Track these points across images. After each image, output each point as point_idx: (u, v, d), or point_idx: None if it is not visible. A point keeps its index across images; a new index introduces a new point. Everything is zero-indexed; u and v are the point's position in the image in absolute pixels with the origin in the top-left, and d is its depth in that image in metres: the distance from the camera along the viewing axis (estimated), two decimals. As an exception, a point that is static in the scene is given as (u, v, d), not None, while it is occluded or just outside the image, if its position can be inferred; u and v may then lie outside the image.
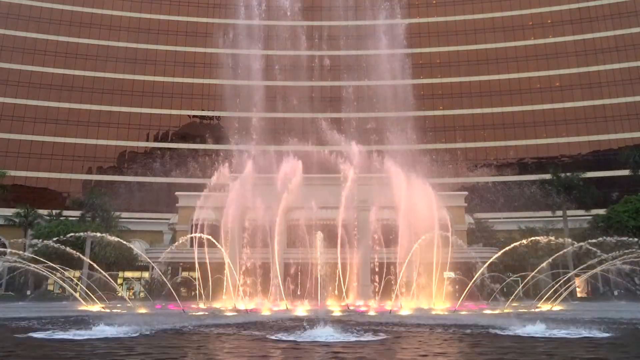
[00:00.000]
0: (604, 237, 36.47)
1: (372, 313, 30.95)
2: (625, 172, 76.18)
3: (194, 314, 31.03)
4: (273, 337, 15.64)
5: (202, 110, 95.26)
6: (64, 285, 42.67)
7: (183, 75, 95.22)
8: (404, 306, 34.05)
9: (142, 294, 59.33)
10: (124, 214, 77.91)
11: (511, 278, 51.53)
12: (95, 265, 39.07)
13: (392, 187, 43.12)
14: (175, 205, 69.61)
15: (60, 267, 39.87)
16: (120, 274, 69.42)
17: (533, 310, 35.17)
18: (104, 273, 38.54)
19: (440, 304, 36.20)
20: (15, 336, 16.10)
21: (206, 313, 31.94)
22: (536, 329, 16.78)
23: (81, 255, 40.89)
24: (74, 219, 68.50)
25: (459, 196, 67.89)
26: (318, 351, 12.55)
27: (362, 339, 15.38)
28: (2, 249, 44.54)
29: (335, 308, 34.56)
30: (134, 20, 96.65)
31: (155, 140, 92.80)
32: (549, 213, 68.68)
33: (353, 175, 47.53)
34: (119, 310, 34.51)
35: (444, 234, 40.29)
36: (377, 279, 43.10)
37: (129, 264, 65.75)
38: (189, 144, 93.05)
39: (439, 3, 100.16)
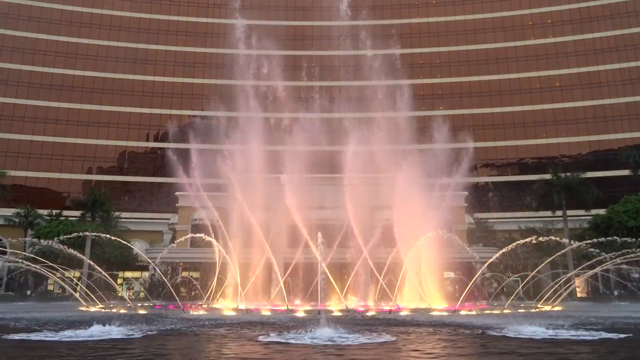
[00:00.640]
0: (604, 238, 36.48)
1: (371, 313, 30.94)
2: (625, 172, 76.14)
3: (194, 314, 31.03)
4: (278, 339, 15.32)
5: (202, 110, 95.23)
6: (64, 285, 42.66)
7: (183, 75, 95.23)
8: (404, 306, 34.05)
9: (142, 294, 59.36)
10: (124, 214, 77.99)
11: (511, 278, 51.50)
12: (95, 265, 39.06)
13: (390, 188, 43.12)
14: (175, 205, 69.66)
15: (60, 267, 39.90)
16: (120, 273, 69.42)
17: (533, 310, 35.16)
18: (104, 273, 38.54)
19: (439, 304, 36.20)
20: (4, 338, 15.91)
21: (206, 313, 31.95)
22: (549, 332, 16.58)
23: (81, 255, 40.86)
24: (74, 219, 68.50)
25: (459, 196, 67.91)
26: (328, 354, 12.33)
27: (373, 340, 15.16)
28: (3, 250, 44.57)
29: (335, 308, 34.55)
30: (134, 20, 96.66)
31: (155, 140, 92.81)
32: (549, 213, 68.65)
33: (353, 176, 47.53)
34: (118, 311, 34.51)
35: (444, 234, 40.28)
36: (376, 280, 43.06)
37: (129, 264, 65.81)
38: (188, 144, 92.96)
39: (439, 3, 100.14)
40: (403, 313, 30.42)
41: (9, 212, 73.35)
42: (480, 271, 40.71)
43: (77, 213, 71.86)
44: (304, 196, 42.38)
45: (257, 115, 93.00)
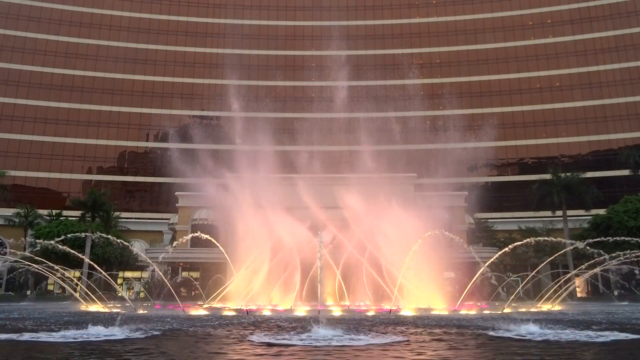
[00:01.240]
0: (602, 238, 36.48)
1: (371, 313, 30.96)
2: (625, 172, 76.21)
3: (194, 314, 31.04)
4: (283, 341, 15.06)
5: (202, 110, 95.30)
6: (64, 285, 42.68)
7: (183, 75, 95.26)
8: (404, 306, 34.06)
9: (142, 294, 59.38)
10: (124, 214, 78.02)
11: (511, 277, 51.51)
12: (95, 265, 39.07)
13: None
14: (175, 205, 69.70)
15: (60, 268, 39.89)
16: (120, 273, 69.48)
17: (532, 309, 35.16)
18: (104, 273, 38.55)
19: (439, 304, 36.22)
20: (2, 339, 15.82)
21: (207, 313, 31.96)
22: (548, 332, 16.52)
23: (80, 255, 40.86)
24: (74, 219, 68.53)
25: (459, 196, 67.95)
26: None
27: (384, 340, 15.02)
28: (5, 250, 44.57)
29: (335, 308, 34.57)
30: (134, 20, 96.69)
31: (155, 140, 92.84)
32: (549, 213, 68.69)
33: (354, 176, 47.59)
34: (119, 311, 34.52)
35: (445, 234, 40.26)
36: (376, 280, 43.06)
37: (129, 264, 65.86)
38: (189, 144, 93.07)
39: (439, 3, 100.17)
40: (403, 313, 30.43)
41: (9, 212, 73.40)
42: (480, 271, 40.68)
43: (77, 213, 71.87)
44: (314, 196, 42.44)
45: (258, 115, 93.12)
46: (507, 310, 32.42)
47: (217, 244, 39.89)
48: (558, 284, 40.46)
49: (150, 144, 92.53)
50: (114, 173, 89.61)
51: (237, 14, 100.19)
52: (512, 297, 40.25)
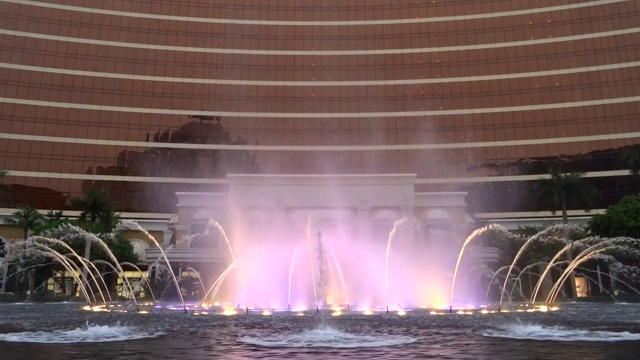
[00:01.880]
0: (602, 238, 36.47)
1: (369, 313, 30.96)
2: (625, 172, 76.19)
3: (196, 314, 31.05)
4: (295, 345, 14.44)
5: (202, 110, 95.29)
6: (82, 283, 42.70)
7: (183, 75, 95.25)
8: (403, 306, 34.02)
9: (142, 294, 59.40)
10: (124, 214, 77.94)
11: (511, 277, 51.44)
12: (93, 265, 39.07)
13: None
14: (175, 205, 69.72)
15: (67, 259, 39.89)
16: (120, 274, 69.43)
17: (530, 309, 35.17)
18: (97, 274, 38.50)
19: (438, 304, 36.20)
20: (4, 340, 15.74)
21: (207, 313, 31.97)
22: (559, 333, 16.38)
23: (81, 259, 40.87)
24: (74, 219, 68.50)
25: (459, 196, 67.96)
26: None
27: (393, 342, 14.80)
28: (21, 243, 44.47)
29: (335, 308, 34.57)
30: (134, 20, 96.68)
31: (155, 140, 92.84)
32: (549, 213, 68.68)
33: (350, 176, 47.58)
34: (120, 311, 34.54)
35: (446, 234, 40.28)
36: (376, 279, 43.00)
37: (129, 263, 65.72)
38: (189, 144, 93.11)
39: (439, 3, 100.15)
40: (402, 313, 30.42)
41: (9, 212, 73.41)
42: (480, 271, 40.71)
43: (77, 213, 71.92)
44: (301, 196, 42.43)
45: (257, 115, 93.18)
46: (504, 310, 32.40)
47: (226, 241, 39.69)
48: (560, 285, 40.43)
49: (150, 144, 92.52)
50: (114, 173, 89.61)
51: (237, 14, 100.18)
52: (510, 296, 40.18)
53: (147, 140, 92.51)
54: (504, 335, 16.40)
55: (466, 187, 78.76)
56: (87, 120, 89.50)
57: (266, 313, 30.89)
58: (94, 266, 38.85)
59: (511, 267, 37.16)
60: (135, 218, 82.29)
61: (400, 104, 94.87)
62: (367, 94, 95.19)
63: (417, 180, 68.33)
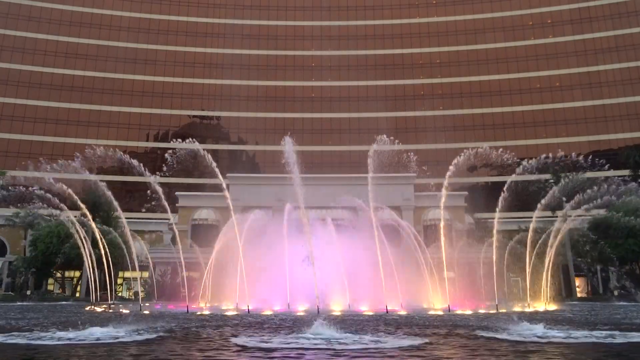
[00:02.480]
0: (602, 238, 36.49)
1: (369, 313, 30.96)
2: (625, 172, 76.20)
3: (197, 314, 31.07)
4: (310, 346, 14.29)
5: (202, 110, 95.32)
6: (98, 281, 42.72)
7: (183, 75, 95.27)
8: (402, 306, 34.00)
9: (142, 294, 59.33)
10: (124, 214, 77.84)
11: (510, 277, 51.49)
12: (91, 264, 39.05)
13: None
14: (175, 205, 69.70)
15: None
16: (120, 273, 69.42)
17: (528, 310, 35.18)
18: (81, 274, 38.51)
19: (438, 304, 36.19)
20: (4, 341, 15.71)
21: (207, 313, 31.98)
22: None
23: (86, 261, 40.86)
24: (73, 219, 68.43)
25: (459, 196, 67.91)
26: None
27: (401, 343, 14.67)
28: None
29: (335, 308, 34.55)
30: (134, 20, 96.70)
31: (155, 140, 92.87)
32: (549, 213, 68.64)
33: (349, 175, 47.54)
34: (121, 311, 34.56)
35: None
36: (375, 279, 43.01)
37: (128, 263, 65.71)
38: (188, 144, 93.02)
39: (439, 3, 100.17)
40: (402, 313, 30.44)
41: (9, 212, 73.36)
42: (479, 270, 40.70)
43: (77, 213, 71.83)
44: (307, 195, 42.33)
45: (257, 115, 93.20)
46: (502, 310, 32.41)
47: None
48: (547, 284, 40.45)
49: (150, 144, 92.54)
50: (113, 173, 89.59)
51: (237, 14, 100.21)
52: (510, 297, 40.23)
53: (147, 140, 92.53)
54: (510, 338, 16.33)
55: (466, 187, 78.75)
56: (87, 120, 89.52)
57: (267, 312, 30.91)
58: (90, 264, 38.82)
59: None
60: (135, 218, 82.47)
61: (400, 104, 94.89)
62: (367, 94, 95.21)
63: (417, 180, 68.32)
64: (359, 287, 35.74)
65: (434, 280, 37.43)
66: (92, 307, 37.65)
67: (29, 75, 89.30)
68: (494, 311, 31.96)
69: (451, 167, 34.99)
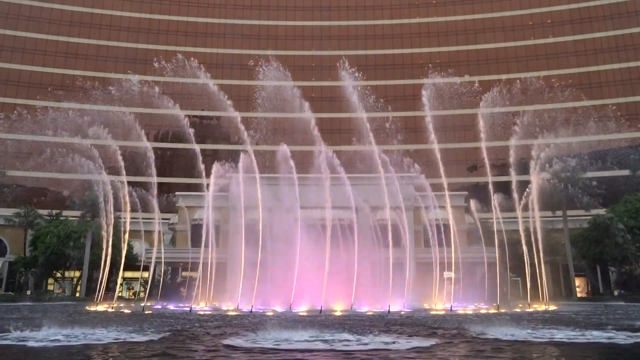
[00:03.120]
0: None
1: (370, 313, 30.97)
2: (625, 172, 76.23)
3: (198, 314, 31.07)
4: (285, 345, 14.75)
5: (202, 110, 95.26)
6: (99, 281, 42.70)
7: (183, 75, 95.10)
8: (403, 306, 34.05)
9: (142, 294, 59.36)
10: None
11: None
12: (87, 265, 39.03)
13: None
14: (175, 205, 69.69)
15: None
16: (120, 273, 69.37)
17: (527, 310, 35.18)
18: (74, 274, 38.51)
19: (439, 304, 36.23)
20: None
21: (208, 313, 31.98)
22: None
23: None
24: (74, 219, 68.48)
25: (459, 196, 67.95)
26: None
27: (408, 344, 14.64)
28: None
29: (336, 308, 34.58)
30: (134, 20, 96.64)
31: (156, 140, 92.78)
32: (549, 213, 68.63)
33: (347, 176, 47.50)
34: (122, 311, 34.55)
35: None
36: (376, 279, 43.00)
37: (129, 264, 65.69)
38: (188, 144, 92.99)
39: (439, 3, 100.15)
40: (403, 313, 30.45)
41: (9, 212, 73.31)
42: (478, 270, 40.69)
43: (77, 213, 71.80)
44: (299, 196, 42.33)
45: (257, 115, 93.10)
46: (502, 310, 32.41)
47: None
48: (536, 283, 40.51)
49: (150, 144, 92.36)
50: (114, 173, 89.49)
51: (237, 14, 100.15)
52: (510, 297, 40.23)
53: (147, 140, 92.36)
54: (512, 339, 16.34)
55: (466, 187, 78.73)
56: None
57: (269, 313, 30.90)
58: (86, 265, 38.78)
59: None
60: (135, 218, 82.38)
61: (401, 104, 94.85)
62: (367, 94, 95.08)
63: (417, 180, 68.23)
64: (359, 287, 35.76)
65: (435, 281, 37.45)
66: (95, 306, 37.62)
67: (29, 75, 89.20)
68: (494, 311, 31.99)
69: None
